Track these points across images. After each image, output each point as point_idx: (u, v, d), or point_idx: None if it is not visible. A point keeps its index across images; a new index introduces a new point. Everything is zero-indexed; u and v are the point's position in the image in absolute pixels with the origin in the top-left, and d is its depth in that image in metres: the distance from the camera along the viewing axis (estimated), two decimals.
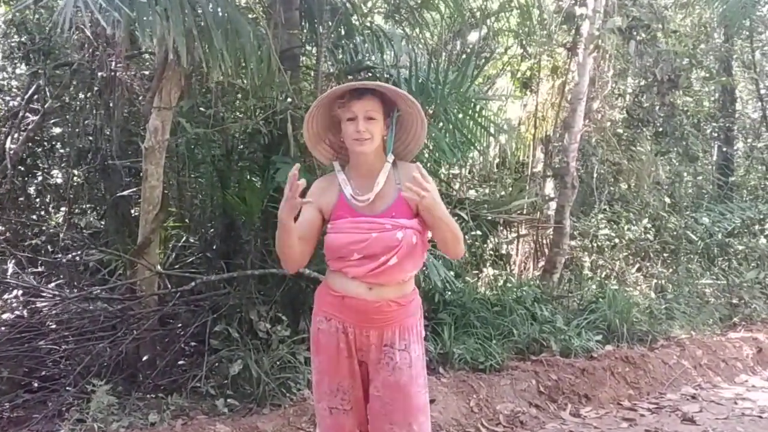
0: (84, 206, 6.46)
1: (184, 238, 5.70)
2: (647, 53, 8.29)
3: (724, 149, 12.11)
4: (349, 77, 5.36)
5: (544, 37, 8.09)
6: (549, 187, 8.40)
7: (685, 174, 10.38)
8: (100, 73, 5.58)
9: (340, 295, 2.42)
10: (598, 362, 5.48)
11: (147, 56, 5.99)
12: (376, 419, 2.47)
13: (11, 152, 5.74)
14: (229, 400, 4.04)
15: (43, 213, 6.52)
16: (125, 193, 5.48)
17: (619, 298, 6.46)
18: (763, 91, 12.76)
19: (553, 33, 8.09)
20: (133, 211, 5.72)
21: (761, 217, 9.42)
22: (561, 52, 8.15)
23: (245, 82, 4.50)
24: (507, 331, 5.62)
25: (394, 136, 2.50)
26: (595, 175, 8.54)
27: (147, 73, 5.90)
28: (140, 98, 5.60)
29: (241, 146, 5.33)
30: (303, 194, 2.25)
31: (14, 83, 6.58)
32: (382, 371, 2.42)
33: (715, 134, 12.12)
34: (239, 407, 4.03)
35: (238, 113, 5.39)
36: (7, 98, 6.54)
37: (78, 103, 6.23)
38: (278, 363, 4.23)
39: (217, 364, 4.26)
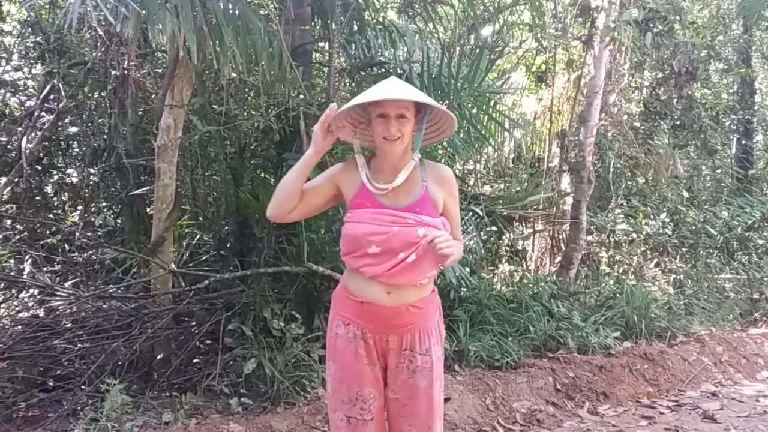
0: (100, 205, 6.48)
1: (198, 236, 5.70)
2: (664, 45, 8.18)
3: (744, 142, 11.92)
4: (362, 73, 5.33)
5: (559, 30, 8.01)
6: (565, 182, 8.31)
7: (704, 167, 10.27)
8: (113, 72, 5.59)
9: (359, 300, 2.35)
10: (616, 359, 5.42)
11: (159, 54, 5.99)
12: (395, 420, 2.43)
13: (27, 151, 5.76)
14: (242, 399, 4.04)
15: (59, 212, 6.55)
16: (140, 191, 5.48)
17: (637, 294, 6.39)
18: None
19: (568, 26, 8.01)
20: (148, 210, 5.72)
21: None
22: (576, 45, 8.08)
23: (257, 79, 4.47)
24: (523, 328, 5.58)
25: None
26: (611, 169, 8.45)
27: (160, 71, 5.90)
28: (153, 96, 5.59)
29: (254, 143, 5.32)
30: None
31: (30, 83, 6.61)
32: (400, 375, 2.37)
33: (734, 127, 11.94)
34: (253, 406, 4.03)
35: (250, 110, 5.38)
36: (24, 98, 6.57)
37: (92, 101, 6.25)
38: (292, 361, 4.22)
39: (231, 362, 4.26)
